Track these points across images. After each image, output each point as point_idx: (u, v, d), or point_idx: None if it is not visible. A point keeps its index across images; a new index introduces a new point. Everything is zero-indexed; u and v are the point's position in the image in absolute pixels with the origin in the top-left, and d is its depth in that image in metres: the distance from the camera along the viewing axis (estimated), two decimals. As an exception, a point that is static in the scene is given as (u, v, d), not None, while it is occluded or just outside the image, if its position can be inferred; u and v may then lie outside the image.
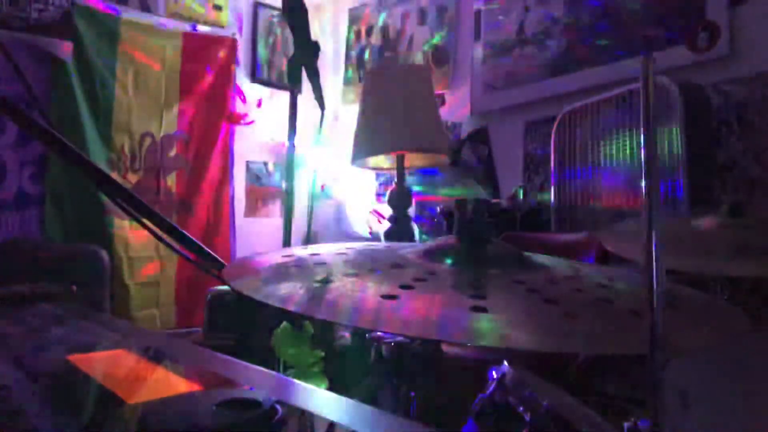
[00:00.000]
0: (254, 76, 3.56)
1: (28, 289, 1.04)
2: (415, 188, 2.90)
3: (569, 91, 2.33)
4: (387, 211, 2.43)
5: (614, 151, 1.85)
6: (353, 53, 3.66)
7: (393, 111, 2.21)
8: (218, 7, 3.39)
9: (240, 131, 3.45)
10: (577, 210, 1.99)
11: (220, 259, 0.89)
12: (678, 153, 1.61)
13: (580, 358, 1.14)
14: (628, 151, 1.80)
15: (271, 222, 3.57)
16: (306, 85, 1.21)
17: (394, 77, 2.34)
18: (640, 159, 0.37)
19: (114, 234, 2.86)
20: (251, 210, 3.55)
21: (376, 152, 2.35)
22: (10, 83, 2.32)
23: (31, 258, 2.41)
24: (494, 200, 2.51)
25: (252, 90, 3.52)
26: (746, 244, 0.90)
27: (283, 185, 3.30)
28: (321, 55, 1.18)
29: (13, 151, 2.68)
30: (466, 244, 0.54)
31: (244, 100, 3.45)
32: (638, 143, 1.71)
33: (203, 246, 0.89)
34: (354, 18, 3.69)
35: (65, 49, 2.75)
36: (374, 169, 2.79)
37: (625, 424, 0.55)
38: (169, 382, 0.62)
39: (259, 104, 3.50)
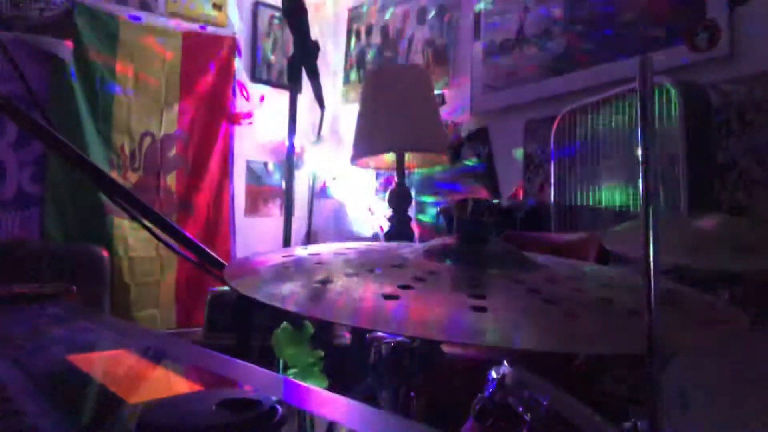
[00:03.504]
0: (254, 76, 3.56)
1: (28, 289, 1.04)
2: (415, 188, 2.90)
3: (569, 91, 2.33)
4: (386, 210, 2.43)
5: (614, 151, 1.85)
6: (353, 53, 3.66)
7: (393, 111, 2.21)
8: (218, 7, 3.39)
9: (240, 131, 3.45)
10: (577, 210, 1.99)
11: (220, 259, 0.89)
12: (678, 153, 1.61)
13: (580, 358, 1.14)
14: (627, 151, 1.80)
15: (271, 222, 3.57)
16: (306, 84, 1.21)
17: (394, 77, 2.34)
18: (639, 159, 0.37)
19: (114, 234, 2.86)
20: (251, 210, 3.55)
21: (376, 152, 2.35)
22: (10, 83, 2.32)
23: (31, 258, 2.41)
24: (494, 200, 2.51)
25: (252, 90, 3.52)
26: (746, 244, 0.90)
27: (283, 185, 3.30)
28: (321, 55, 1.18)
29: (13, 151, 2.68)
30: (466, 244, 0.54)
31: (247, 98, 3.45)
32: (638, 143, 1.71)
33: (203, 246, 0.89)
34: (354, 18, 3.69)
35: (65, 49, 2.75)
36: (374, 169, 2.79)
37: (625, 424, 0.55)
38: (169, 382, 0.62)
39: (261, 99, 3.50)
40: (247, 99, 3.45)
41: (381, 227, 3.18)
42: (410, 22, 3.27)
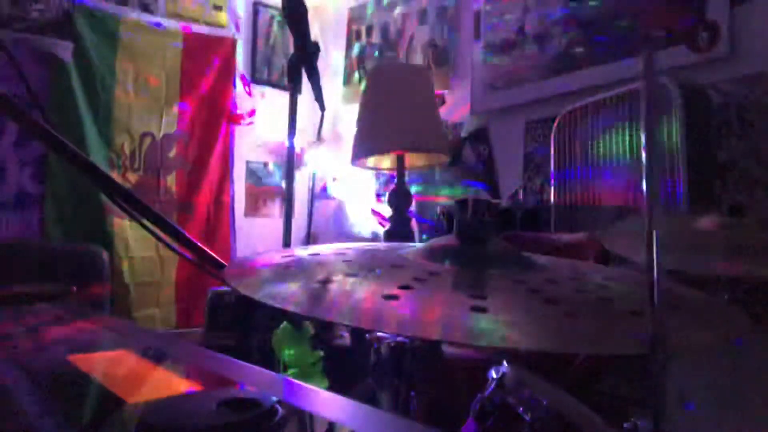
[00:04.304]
0: (254, 76, 3.56)
1: (28, 289, 1.04)
2: (415, 188, 2.90)
3: (569, 91, 2.33)
4: (387, 211, 2.43)
5: (614, 151, 1.85)
6: (353, 53, 3.66)
7: (393, 111, 2.21)
8: (218, 7, 3.39)
9: (240, 131, 3.45)
10: (577, 210, 1.99)
11: (219, 259, 0.89)
12: (678, 153, 1.61)
13: (580, 358, 1.14)
14: (628, 151, 1.80)
15: (271, 222, 3.57)
16: (306, 85, 1.21)
17: (394, 77, 2.34)
18: (640, 158, 0.37)
19: (114, 234, 2.86)
20: (251, 210, 3.55)
21: (376, 152, 2.35)
22: (10, 83, 2.32)
23: (31, 258, 2.41)
24: (494, 200, 2.51)
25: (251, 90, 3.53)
26: (746, 244, 0.90)
27: (283, 185, 3.30)
28: (321, 55, 1.18)
29: (13, 151, 2.68)
30: (466, 244, 0.54)
31: (249, 93, 3.45)
32: (638, 143, 1.71)
33: (203, 246, 0.89)
34: (354, 18, 3.69)
35: (65, 49, 2.75)
36: (374, 169, 2.79)
37: (625, 424, 0.55)
38: (169, 382, 0.62)
39: (252, 113, 3.48)
40: (249, 94, 3.45)
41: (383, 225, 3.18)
42: (410, 22, 3.27)
